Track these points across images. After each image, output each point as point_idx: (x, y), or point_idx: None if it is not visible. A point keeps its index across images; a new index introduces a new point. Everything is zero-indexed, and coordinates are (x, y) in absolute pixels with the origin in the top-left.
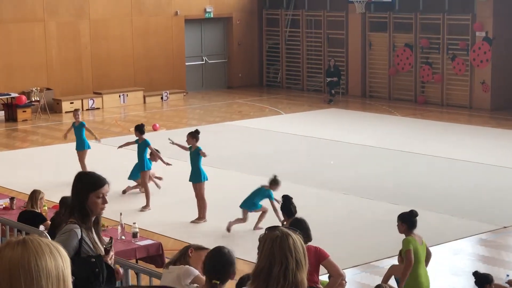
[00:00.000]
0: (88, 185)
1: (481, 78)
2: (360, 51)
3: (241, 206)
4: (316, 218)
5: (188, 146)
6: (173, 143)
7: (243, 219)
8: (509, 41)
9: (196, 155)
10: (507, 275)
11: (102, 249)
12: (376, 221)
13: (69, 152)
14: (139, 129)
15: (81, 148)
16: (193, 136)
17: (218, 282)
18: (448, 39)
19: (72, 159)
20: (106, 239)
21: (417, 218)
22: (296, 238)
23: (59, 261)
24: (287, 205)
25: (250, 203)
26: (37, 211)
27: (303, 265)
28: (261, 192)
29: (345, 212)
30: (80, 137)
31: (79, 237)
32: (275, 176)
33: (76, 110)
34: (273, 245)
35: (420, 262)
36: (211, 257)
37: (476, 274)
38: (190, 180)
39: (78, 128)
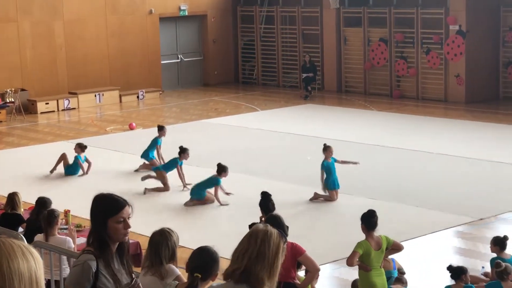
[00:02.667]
0: (106, 210)
1: (456, 72)
2: (335, 47)
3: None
4: (294, 213)
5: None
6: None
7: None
8: (482, 34)
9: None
10: (483, 267)
11: (124, 281)
12: (353, 215)
13: (45, 153)
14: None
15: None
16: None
17: (200, 276)
18: (422, 33)
19: (47, 160)
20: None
21: (376, 218)
22: (273, 234)
23: (32, 262)
24: (266, 201)
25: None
26: (17, 212)
27: (266, 260)
28: (325, 167)
29: (323, 207)
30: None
31: (94, 269)
32: (324, 144)
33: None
34: (251, 234)
35: (374, 268)
36: (195, 254)
37: (450, 267)
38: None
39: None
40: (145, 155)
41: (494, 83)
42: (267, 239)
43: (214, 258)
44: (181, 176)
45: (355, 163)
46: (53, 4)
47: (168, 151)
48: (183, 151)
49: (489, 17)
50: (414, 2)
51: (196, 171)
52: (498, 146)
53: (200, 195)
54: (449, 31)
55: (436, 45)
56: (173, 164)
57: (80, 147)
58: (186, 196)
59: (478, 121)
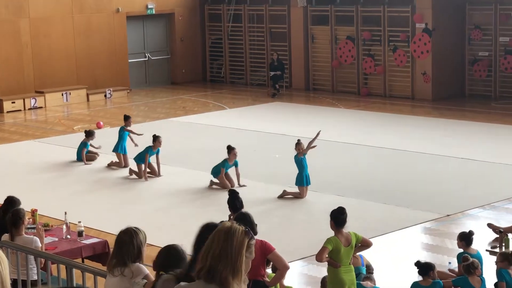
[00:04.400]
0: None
1: (422, 69)
2: (303, 45)
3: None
4: (263, 211)
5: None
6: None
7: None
8: (448, 32)
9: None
10: (449, 263)
11: None
12: (322, 212)
13: (12, 153)
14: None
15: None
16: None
17: (164, 274)
18: (389, 31)
19: (14, 159)
20: None
21: (346, 215)
22: (236, 231)
23: None
24: (233, 199)
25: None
26: None
27: (228, 259)
28: (296, 161)
29: (291, 204)
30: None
31: None
32: (298, 139)
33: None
34: (215, 232)
35: (343, 265)
36: (162, 253)
37: (418, 263)
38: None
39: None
40: (117, 148)
41: (460, 81)
42: (229, 236)
43: (180, 256)
44: (148, 164)
45: (317, 133)
46: (18, 2)
47: (135, 150)
48: (155, 139)
49: (455, 15)
50: (381, 0)
51: (164, 169)
52: (464, 143)
53: (215, 173)
54: (416, 29)
55: (403, 43)
56: (144, 153)
57: (85, 135)
58: (156, 194)
59: (444, 118)
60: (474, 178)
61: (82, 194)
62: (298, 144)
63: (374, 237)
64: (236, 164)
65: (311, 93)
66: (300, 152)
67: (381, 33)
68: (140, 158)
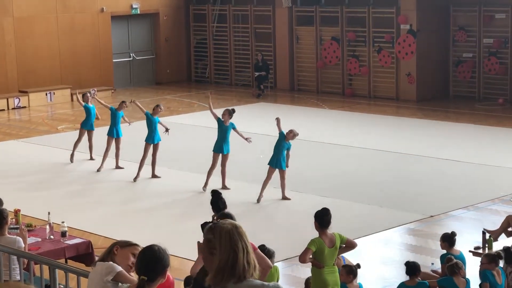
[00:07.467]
0: None
1: (407, 70)
2: (288, 45)
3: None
4: (246, 211)
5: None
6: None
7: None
8: (433, 33)
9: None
10: (432, 264)
11: None
12: (306, 213)
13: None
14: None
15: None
16: (230, 113)
17: (146, 278)
18: (374, 32)
19: (5, 158)
20: None
21: (330, 216)
22: (239, 226)
23: None
24: (216, 200)
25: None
26: None
27: (243, 252)
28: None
29: (275, 205)
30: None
31: None
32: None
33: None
34: (231, 235)
35: (327, 265)
36: (141, 255)
37: (407, 264)
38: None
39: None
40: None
41: (444, 82)
42: (233, 236)
43: (157, 256)
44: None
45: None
46: (2, 1)
47: (125, 149)
48: (155, 108)
49: (439, 17)
50: (366, 1)
51: (148, 169)
52: (448, 144)
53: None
54: (400, 30)
55: (387, 44)
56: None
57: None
58: (140, 195)
59: (428, 119)
60: (458, 179)
61: (65, 194)
62: (291, 132)
63: (359, 238)
64: (233, 126)
65: (296, 93)
66: (288, 138)
67: (366, 34)
68: (151, 138)
